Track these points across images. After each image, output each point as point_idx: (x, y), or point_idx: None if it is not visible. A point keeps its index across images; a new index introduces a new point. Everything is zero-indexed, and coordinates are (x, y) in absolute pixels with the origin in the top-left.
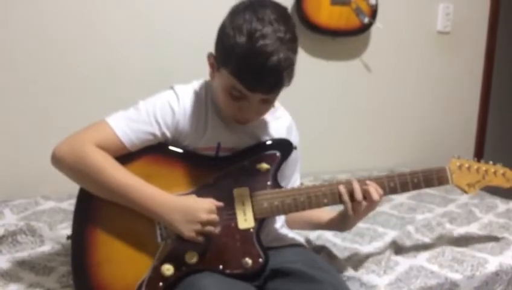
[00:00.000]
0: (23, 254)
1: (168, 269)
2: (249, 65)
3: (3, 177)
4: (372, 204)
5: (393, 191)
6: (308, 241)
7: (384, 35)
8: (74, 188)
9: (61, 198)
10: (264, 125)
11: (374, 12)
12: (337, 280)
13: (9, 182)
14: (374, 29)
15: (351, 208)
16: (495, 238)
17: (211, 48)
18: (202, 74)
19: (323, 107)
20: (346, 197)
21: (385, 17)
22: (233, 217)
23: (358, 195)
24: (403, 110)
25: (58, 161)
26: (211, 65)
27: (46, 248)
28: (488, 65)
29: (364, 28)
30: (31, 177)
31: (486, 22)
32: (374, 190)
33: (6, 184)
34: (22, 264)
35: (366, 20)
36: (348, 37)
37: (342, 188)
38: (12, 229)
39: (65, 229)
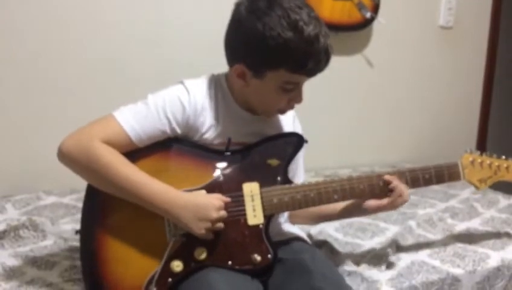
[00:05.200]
0: (26, 248)
1: (177, 265)
2: (308, 54)
3: (5, 173)
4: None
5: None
6: (309, 236)
7: (386, 30)
8: (76, 183)
9: (63, 193)
10: (273, 121)
11: (376, 7)
12: (336, 275)
13: (11, 177)
14: (376, 24)
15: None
16: (497, 234)
17: (214, 45)
18: (206, 70)
19: (324, 102)
20: (397, 188)
21: (387, 12)
22: (242, 213)
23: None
24: (405, 105)
25: (64, 156)
26: (240, 76)
27: (48, 242)
28: (490, 60)
29: (367, 23)
30: (33, 172)
31: (489, 17)
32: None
33: (9, 179)
34: (24, 258)
35: (368, 15)
36: (350, 32)
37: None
38: (14, 224)
39: (67, 224)
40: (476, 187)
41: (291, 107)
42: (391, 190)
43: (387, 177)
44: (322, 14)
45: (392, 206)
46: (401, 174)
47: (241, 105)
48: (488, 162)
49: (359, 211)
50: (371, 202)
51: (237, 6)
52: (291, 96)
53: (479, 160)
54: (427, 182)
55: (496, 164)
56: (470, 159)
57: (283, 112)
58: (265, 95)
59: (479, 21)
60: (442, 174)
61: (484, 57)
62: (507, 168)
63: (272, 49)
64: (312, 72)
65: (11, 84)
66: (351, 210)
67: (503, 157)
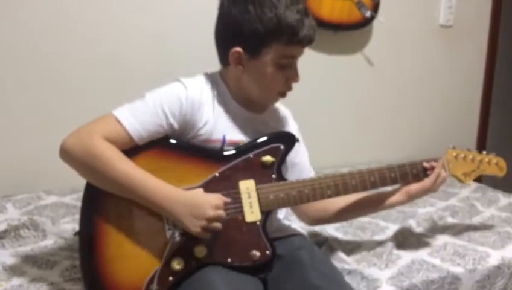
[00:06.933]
0: (26, 248)
1: (178, 263)
2: (298, 24)
3: (6, 173)
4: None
5: (394, 181)
6: (310, 234)
7: (386, 29)
8: (76, 182)
9: (64, 192)
10: (268, 119)
11: (375, 6)
12: (335, 273)
13: (12, 177)
14: (376, 23)
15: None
16: (497, 232)
17: (213, 43)
18: (206, 64)
19: (324, 101)
20: (438, 170)
21: (387, 10)
22: (239, 210)
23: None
24: (405, 104)
25: (65, 154)
26: (237, 60)
27: (49, 242)
28: (491, 58)
29: (366, 22)
30: (34, 172)
31: (489, 15)
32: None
33: (9, 179)
34: (24, 258)
35: (368, 14)
36: (349, 31)
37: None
38: (15, 224)
39: (68, 224)
40: (461, 181)
41: (290, 88)
42: (417, 179)
43: (425, 164)
44: (322, 14)
45: (434, 186)
46: (391, 170)
47: (238, 101)
48: (470, 156)
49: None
50: (413, 186)
51: (221, 4)
52: (288, 75)
53: (462, 155)
54: (415, 177)
55: (478, 158)
56: (454, 154)
57: (283, 94)
58: (263, 76)
59: (479, 20)
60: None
61: (484, 56)
62: (488, 162)
63: (265, 24)
64: (304, 40)
65: (11, 84)
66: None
67: (484, 152)
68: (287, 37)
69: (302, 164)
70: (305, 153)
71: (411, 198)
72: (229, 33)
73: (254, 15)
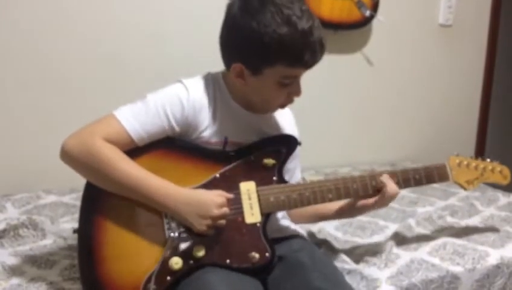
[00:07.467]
0: (25, 247)
1: (176, 263)
2: (303, 46)
3: (5, 172)
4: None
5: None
6: (309, 234)
7: (385, 29)
8: (76, 182)
9: (63, 192)
10: (270, 120)
11: (375, 5)
12: (336, 273)
13: (11, 176)
14: (376, 22)
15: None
16: (496, 232)
17: (214, 41)
18: (207, 65)
19: (324, 100)
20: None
21: (387, 10)
22: (240, 211)
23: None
24: (404, 103)
25: (66, 155)
26: (238, 74)
27: (48, 241)
28: (490, 58)
29: (366, 21)
30: (33, 172)
31: (488, 14)
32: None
33: (9, 179)
34: (24, 258)
35: (368, 13)
36: (349, 31)
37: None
38: (14, 223)
39: (67, 223)
40: (464, 188)
41: (291, 101)
42: (378, 190)
43: (380, 178)
44: (322, 13)
45: (380, 204)
46: (393, 175)
47: (239, 103)
48: (474, 164)
49: (353, 211)
50: (362, 202)
51: (229, 7)
52: (290, 90)
53: (465, 162)
54: (418, 182)
55: (482, 166)
56: (457, 161)
57: (283, 106)
58: (265, 92)
59: (478, 19)
60: (432, 175)
61: (484, 55)
62: (492, 170)
63: (268, 45)
64: (309, 64)
65: (11, 84)
66: (346, 209)
67: (488, 160)
68: (291, 60)
69: (295, 168)
70: (298, 157)
71: (359, 212)
72: (233, 47)
73: (257, 33)
